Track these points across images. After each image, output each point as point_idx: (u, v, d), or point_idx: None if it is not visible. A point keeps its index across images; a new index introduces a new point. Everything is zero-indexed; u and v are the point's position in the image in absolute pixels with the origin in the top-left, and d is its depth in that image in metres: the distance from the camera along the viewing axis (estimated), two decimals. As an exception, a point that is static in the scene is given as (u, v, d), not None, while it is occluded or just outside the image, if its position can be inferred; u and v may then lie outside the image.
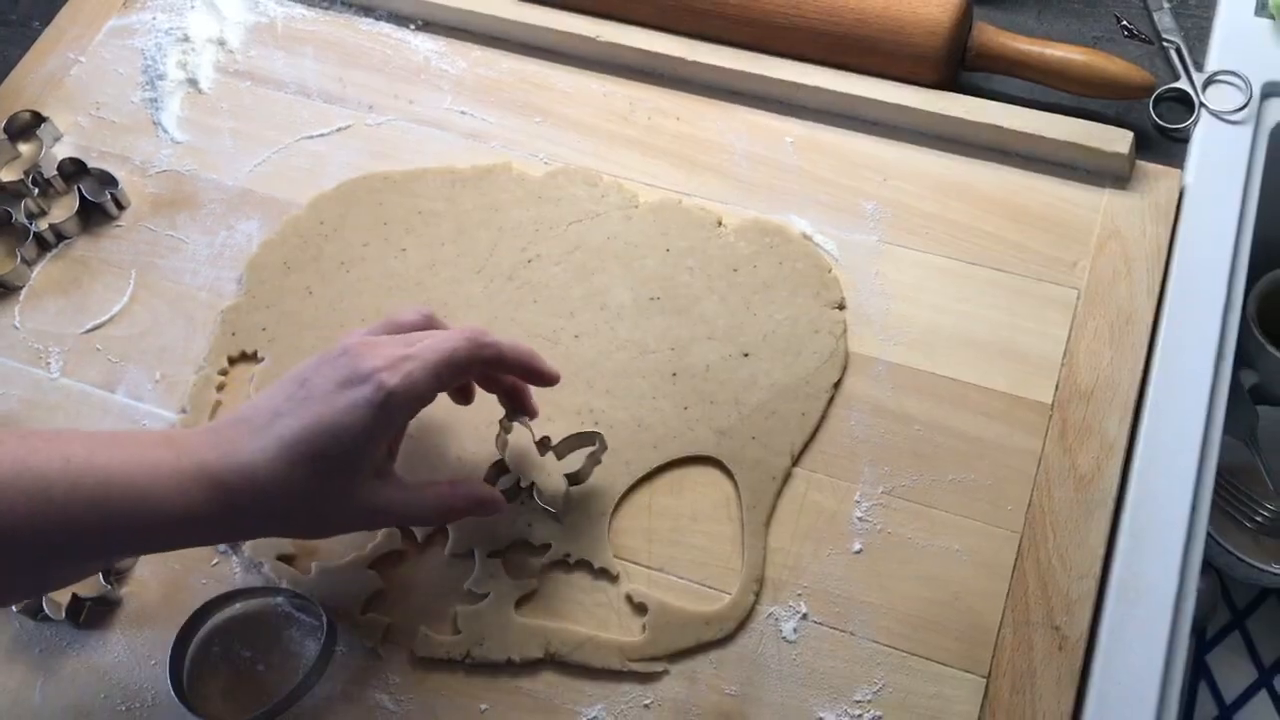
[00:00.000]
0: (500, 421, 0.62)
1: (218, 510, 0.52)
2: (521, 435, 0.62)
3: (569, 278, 0.70)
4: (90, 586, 0.62)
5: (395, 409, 0.54)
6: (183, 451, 0.52)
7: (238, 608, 0.63)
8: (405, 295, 0.70)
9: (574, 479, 0.63)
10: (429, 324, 0.59)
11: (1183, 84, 0.74)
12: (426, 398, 0.55)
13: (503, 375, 0.60)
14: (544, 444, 0.62)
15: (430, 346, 0.55)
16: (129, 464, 0.51)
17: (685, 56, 0.75)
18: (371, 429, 0.53)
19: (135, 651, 0.62)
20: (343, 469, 0.53)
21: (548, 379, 0.60)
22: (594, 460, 0.62)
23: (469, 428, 0.65)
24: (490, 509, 0.59)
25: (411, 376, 0.54)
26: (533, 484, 0.63)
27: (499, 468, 0.64)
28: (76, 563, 0.54)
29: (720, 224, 0.71)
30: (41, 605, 0.62)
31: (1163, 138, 0.73)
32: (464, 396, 0.63)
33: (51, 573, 0.53)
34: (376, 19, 0.82)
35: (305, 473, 0.52)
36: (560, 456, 0.63)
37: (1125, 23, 0.77)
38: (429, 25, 0.81)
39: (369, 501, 0.55)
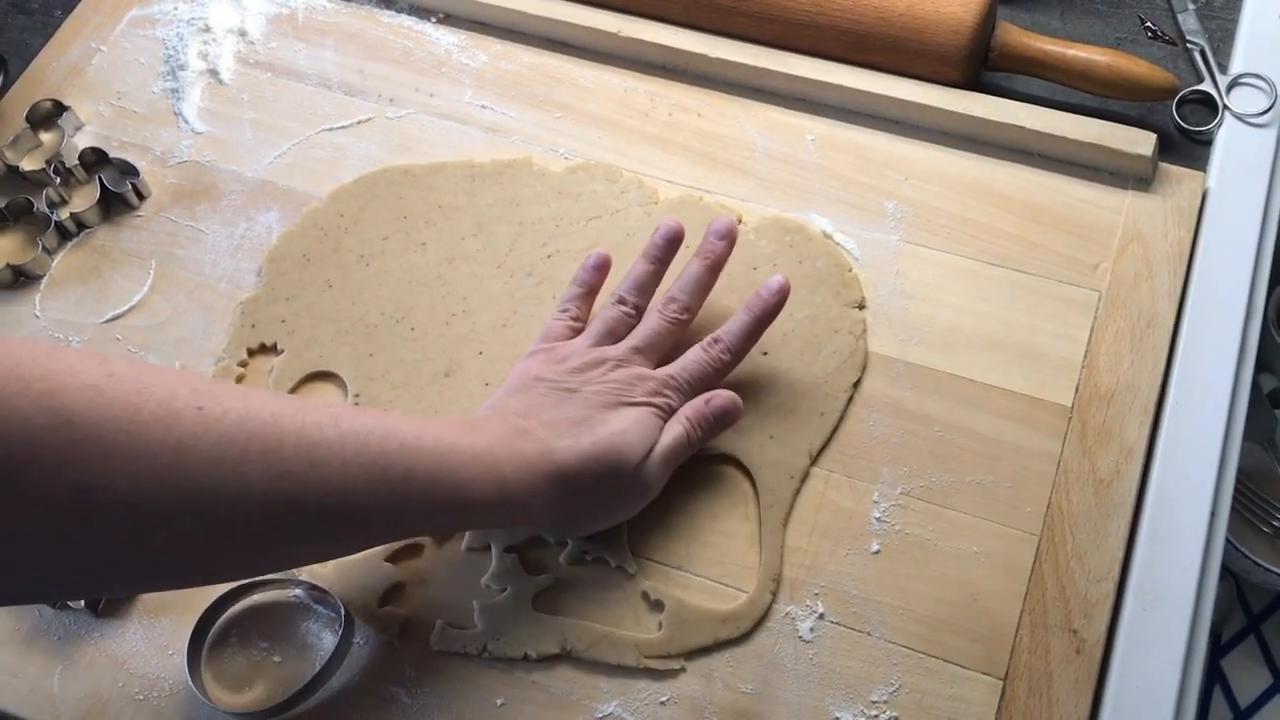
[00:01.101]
0: None
1: (531, 496, 0.56)
2: None
3: (588, 273, 0.70)
4: (109, 576, 0.63)
5: (660, 422, 0.61)
6: (492, 438, 0.56)
7: (255, 599, 0.63)
8: (425, 289, 0.70)
9: None
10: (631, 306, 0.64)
11: (1206, 86, 0.73)
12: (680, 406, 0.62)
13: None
14: None
15: (683, 371, 0.62)
16: (453, 448, 0.54)
17: (707, 53, 0.75)
18: (653, 435, 0.59)
19: (153, 641, 0.62)
20: (637, 465, 0.59)
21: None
22: None
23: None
24: (735, 417, 0.62)
25: (670, 404, 0.61)
26: None
27: None
28: (390, 539, 0.59)
29: (740, 221, 0.71)
30: (60, 594, 0.62)
31: (1186, 140, 0.73)
32: None
33: (365, 545, 0.57)
34: (397, 11, 0.82)
35: (609, 474, 0.58)
36: None
37: (1149, 24, 0.77)
38: (450, 18, 0.81)
39: (649, 478, 0.60)
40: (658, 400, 0.60)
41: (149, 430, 0.46)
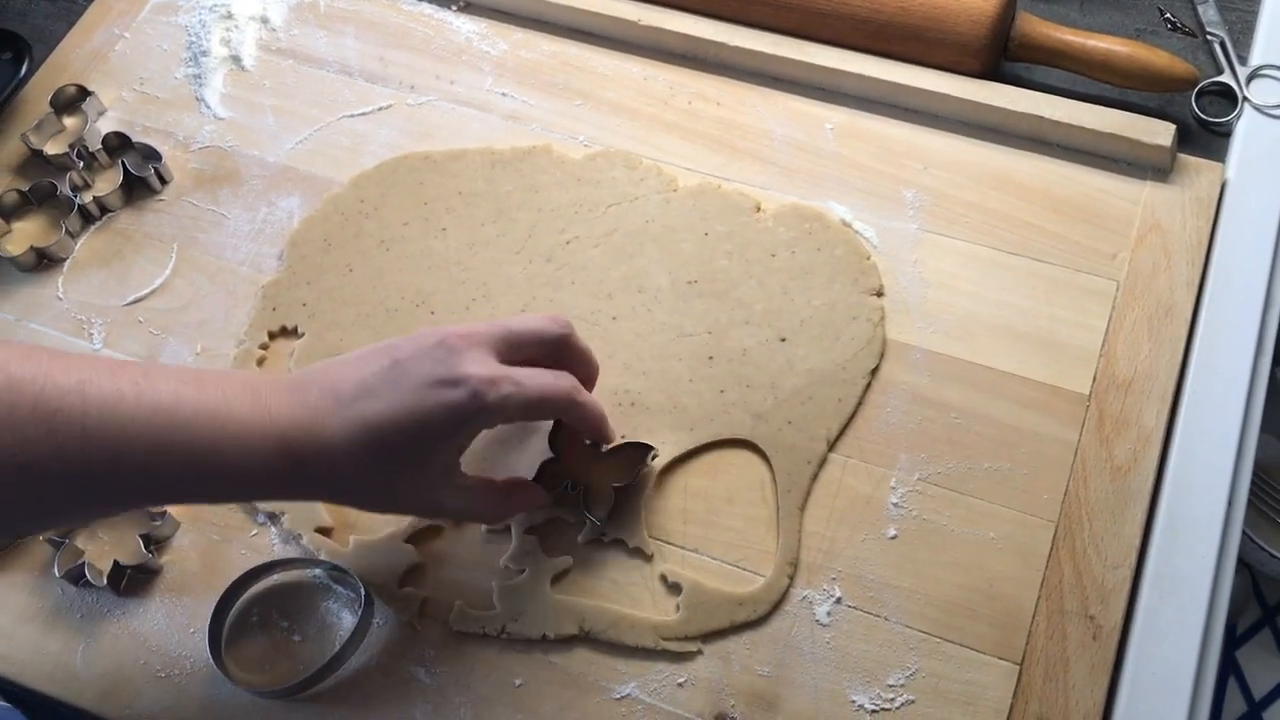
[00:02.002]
0: (556, 424, 0.64)
1: (287, 476, 0.53)
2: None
3: (607, 260, 0.70)
4: (131, 554, 0.63)
5: (480, 423, 0.55)
6: (263, 409, 0.53)
7: (276, 578, 0.63)
8: (445, 275, 0.70)
9: (617, 481, 0.63)
10: (556, 347, 0.59)
11: (1226, 78, 0.73)
12: (511, 421, 0.57)
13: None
14: (594, 449, 0.63)
15: (531, 381, 0.56)
16: (215, 421, 0.52)
17: (727, 41, 0.76)
18: (451, 433, 0.54)
19: (174, 619, 0.63)
20: (416, 465, 0.55)
21: (607, 439, 0.62)
22: (640, 464, 0.63)
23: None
24: (540, 506, 0.62)
25: (507, 401, 0.54)
26: (584, 489, 0.63)
27: (551, 468, 0.63)
28: (141, 503, 0.56)
29: (759, 209, 0.71)
30: (84, 571, 0.63)
31: (1205, 131, 0.73)
32: None
33: (116, 510, 0.57)
34: (418, -1, 0.82)
35: (380, 461, 0.54)
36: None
37: (1169, 15, 0.77)
38: (470, 6, 0.81)
39: (432, 498, 0.57)
40: (482, 387, 0.54)
41: None
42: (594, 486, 0.63)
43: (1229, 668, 0.93)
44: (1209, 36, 0.75)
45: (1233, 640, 0.94)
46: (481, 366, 0.54)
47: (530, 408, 0.56)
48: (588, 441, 0.63)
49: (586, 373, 0.61)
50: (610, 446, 0.63)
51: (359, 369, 0.55)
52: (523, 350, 0.58)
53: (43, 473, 0.49)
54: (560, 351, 0.59)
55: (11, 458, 0.48)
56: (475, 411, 0.54)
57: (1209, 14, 0.76)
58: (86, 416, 0.49)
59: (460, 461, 0.57)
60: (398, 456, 0.54)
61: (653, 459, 0.63)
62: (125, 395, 0.50)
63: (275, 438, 0.53)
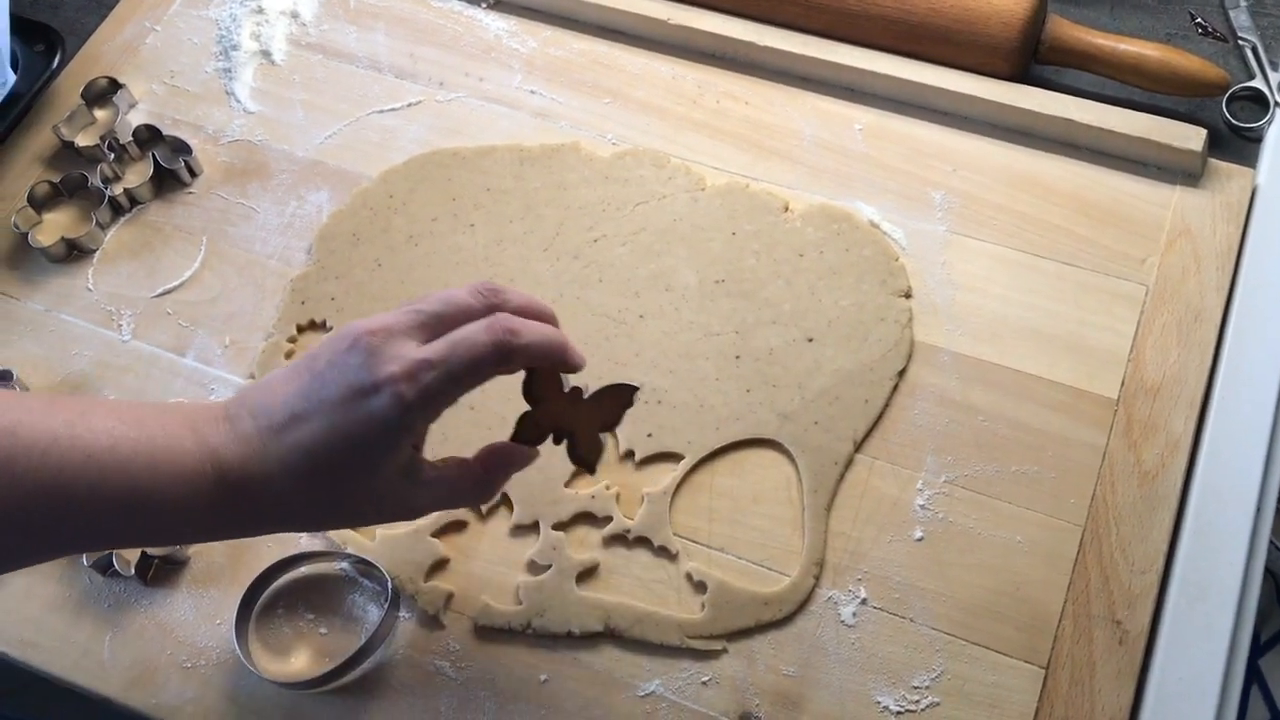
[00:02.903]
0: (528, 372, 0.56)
1: (236, 514, 0.51)
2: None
3: (635, 258, 0.70)
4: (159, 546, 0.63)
5: (413, 420, 0.50)
6: (204, 446, 0.50)
7: (302, 571, 0.63)
8: (473, 271, 0.70)
9: (605, 427, 0.57)
10: (474, 313, 0.53)
11: (1258, 83, 0.73)
12: (448, 404, 0.51)
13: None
14: (575, 395, 0.56)
15: (452, 353, 0.50)
16: (152, 465, 0.49)
17: (756, 41, 0.76)
18: (388, 441, 0.50)
19: (201, 610, 0.63)
20: (364, 478, 0.51)
21: (575, 366, 0.54)
22: (626, 406, 0.57)
23: (494, 382, 0.54)
24: (522, 464, 0.56)
25: (429, 391, 0.50)
26: (569, 437, 0.56)
27: (530, 420, 0.56)
28: (86, 549, 0.55)
29: (787, 209, 0.71)
30: (111, 561, 0.63)
31: (1235, 136, 0.72)
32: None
33: (56, 555, 0.54)
34: (448, -4, 0.82)
35: (324, 484, 0.51)
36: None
37: (1200, 20, 0.77)
38: (500, 4, 0.81)
39: (399, 503, 0.53)
40: (401, 387, 0.49)
41: None
42: (580, 434, 0.56)
43: (1252, 676, 0.92)
44: (1240, 41, 0.75)
45: (1256, 648, 0.93)
46: (397, 363, 0.50)
47: (462, 378, 0.50)
48: (567, 389, 0.56)
49: (548, 352, 0.53)
50: (591, 392, 0.56)
51: (285, 389, 0.51)
52: (448, 329, 0.52)
53: (24, 530, 0.48)
54: (509, 356, 0.52)
55: None
56: (401, 414, 0.49)
57: (1240, 19, 0.76)
58: (14, 462, 0.47)
59: (423, 452, 0.54)
60: (340, 476, 0.50)
61: (635, 396, 0.56)
62: (59, 438, 0.48)
63: (215, 478, 0.50)
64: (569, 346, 0.54)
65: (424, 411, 0.50)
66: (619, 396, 0.57)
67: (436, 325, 0.52)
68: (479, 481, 0.55)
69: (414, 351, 0.50)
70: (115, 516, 0.49)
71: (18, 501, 0.47)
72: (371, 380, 0.49)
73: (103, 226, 0.75)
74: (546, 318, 0.54)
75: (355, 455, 0.50)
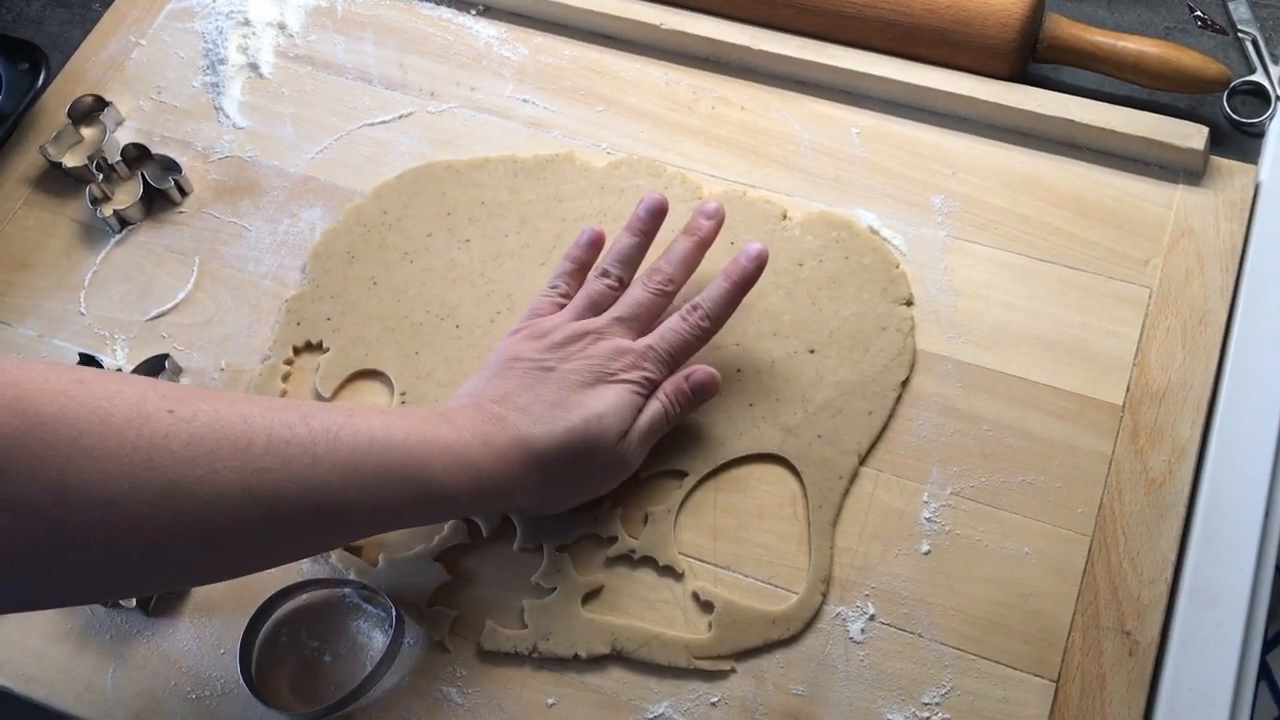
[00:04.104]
0: None
1: (506, 482, 0.57)
2: None
3: (633, 270, 0.69)
4: (160, 575, 0.63)
5: (643, 400, 0.61)
6: (464, 428, 0.57)
7: (305, 598, 0.63)
8: (469, 287, 0.70)
9: None
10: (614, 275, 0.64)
11: (1259, 77, 0.72)
12: (669, 372, 0.62)
13: None
14: None
15: (666, 340, 0.62)
16: (424, 440, 0.55)
17: (750, 45, 0.75)
18: (629, 415, 0.60)
19: (204, 640, 0.62)
20: (612, 443, 0.59)
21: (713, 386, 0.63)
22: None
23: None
24: (713, 391, 0.63)
25: (670, 417, 0.62)
26: None
27: None
28: (364, 530, 0.59)
29: (785, 217, 0.70)
30: (112, 593, 0.62)
31: (1237, 132, 0.72)
32: None
33: (341, 541, 0.60)
34: (437, 4, 0.81)
35: (584, 454, 0.59)
36: None
37: (1199, 13, 0.76)
38: (490, 10, 0.80)
39: (628, 457, 0.61)
40: (636, 375, 0.60)
41: (121, 432, 0.47)
42: None
43: (1261, 672, 0.92)
44: (1240, 34, 0.74)
45: (1264, 645, 0.93)
46: (629, 356, 0.61)
47: (680, 354, 0.62)
48: None
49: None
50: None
51: (516, 385, 0.60)
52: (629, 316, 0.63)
53: (279, 500, 0.51)
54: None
55: (250, 490, 0.50)
56: (643, 389, 0.61)
57: (1240, 11, 0.75)
58: (314, 444, 0.52)
59: None
60: (598, 448, 0.59)
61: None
62: (343, 424, 0.53)
63: (482, 448, 0.56)
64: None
65: (647, 389, 0.61)
66: None
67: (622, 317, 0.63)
68: (669, 397, 0.62)
69: (636, 344, 0.62)
70: (400, 490, 0.54)
71: (320, 479, 0.52)
72: (608, 371, 0.60)
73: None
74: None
75: (606, 431, 0.59)
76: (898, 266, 0.68)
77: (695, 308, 0.63)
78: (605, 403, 0.59)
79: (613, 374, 0.60)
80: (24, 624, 0.64)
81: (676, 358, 0.62)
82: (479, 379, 0.61)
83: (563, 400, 0.59)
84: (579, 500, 0.62)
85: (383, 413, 0.56)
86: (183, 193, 0.76)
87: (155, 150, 0.77)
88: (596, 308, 0.63)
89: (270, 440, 0.51)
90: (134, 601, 0.62)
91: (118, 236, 0.75)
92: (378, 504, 0.54)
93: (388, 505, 0.54)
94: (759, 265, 0.63)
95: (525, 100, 0.77)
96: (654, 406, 0.61)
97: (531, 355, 0.61)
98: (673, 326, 0.62)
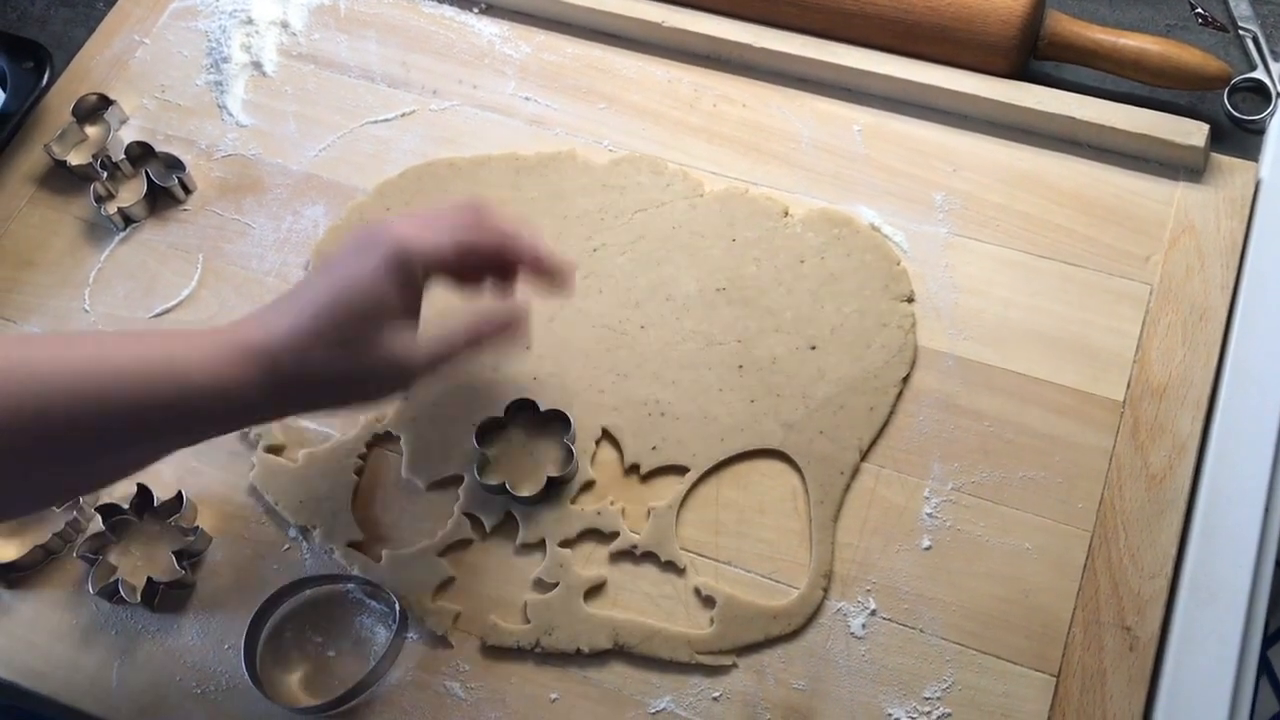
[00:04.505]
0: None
1: (266, 380, 0.54)
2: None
3: (634, 267, 0.69)
4: (165, 570, 0.63)
5: (414, 266, 0.56)
6: (217, 339, 0.54)
7: (309, 594, 0.63)
8: (472, 283, 0.70)
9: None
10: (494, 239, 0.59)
11: (1259, 74, 0.72)
12: (445, 262, 0.57)
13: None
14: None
15: (452, 218, 0.58)
16: (168, 351, 0.53)
17: (752, 43, 0.75)
18: (388, 286, 0.55)
19: (209, 635, 0.63)
20: (366, 328, 0.55)
21: (557, 270, 0.61)
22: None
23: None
24: (519, 322, 0.60)
25: (424, 238, 0.56)
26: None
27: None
28: (122, 451, 0.56)
29: (787, 214, 0.70)
30: (117, 588, 0.63)
31: (1238, 129, 0.72)
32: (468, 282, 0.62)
33: (97, 464, 0.55)
34: (439, 2, 0.81)
35: (329, 335, 0.54)
36: None
37: (1199, 10, 0.76)
38: (492, 8, 0.81)
39: (406, 356, 0.56)
40: (403, 230, 0.56)
41: None
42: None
43: (1261, 667, 0.92)
44: (1241, 31, 0.74)
45: (1264, 639, 0.93)
46: (401, 227, 0.56)
47: (456, 232, 0.57)
48: None
49: (532, 253, 0.61)
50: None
51: (297, 284, 0.57)
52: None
53: (24, 437, 0.50)
54: (487, 237, 0.60)
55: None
56: (401, 252, 0.55)
57: (1241, 8, 0.75)
58: (70, 356, 0.52)
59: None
60: (346, 328, 0.54)
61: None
62: (75, 342, 0.54)
63: (227, 350, 0.54)
64: (552, 255, 0.61)
65: (421, 256, 0.56)
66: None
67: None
68: (470, 329, 0.59)
69: (415, 219, 0.57)
70: (137, 399, 0.52)
71: (70, 406, 0.51)
72: (373, 237, 0.56)
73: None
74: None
75: (355, 303, 0.54)
76: (899, 263, 0.68)
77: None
78: (352, 273, 0.55)
79: (378, 241, 0.55)
80: (30, 620, 0.64)
81: (456, 236, 0.57)
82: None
83: (314, 284, 0.56)
84: (353, 398, 0.59)
85: (128, 332, 0.58)
86: (186, 190, 0.76)
87: (159, 148, 0.77)
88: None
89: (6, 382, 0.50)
90: (138, 597, 0.63)
91: (122, 234, 0.75)
92: (115, 419, 0.52)
93: (126, 418, 0.53)
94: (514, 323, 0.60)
95: (527, 98, 0.77)
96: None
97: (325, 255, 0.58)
98: (462, 211, 0.59)
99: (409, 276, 0.56)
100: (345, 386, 0.57)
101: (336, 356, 0.55)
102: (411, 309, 0.57)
